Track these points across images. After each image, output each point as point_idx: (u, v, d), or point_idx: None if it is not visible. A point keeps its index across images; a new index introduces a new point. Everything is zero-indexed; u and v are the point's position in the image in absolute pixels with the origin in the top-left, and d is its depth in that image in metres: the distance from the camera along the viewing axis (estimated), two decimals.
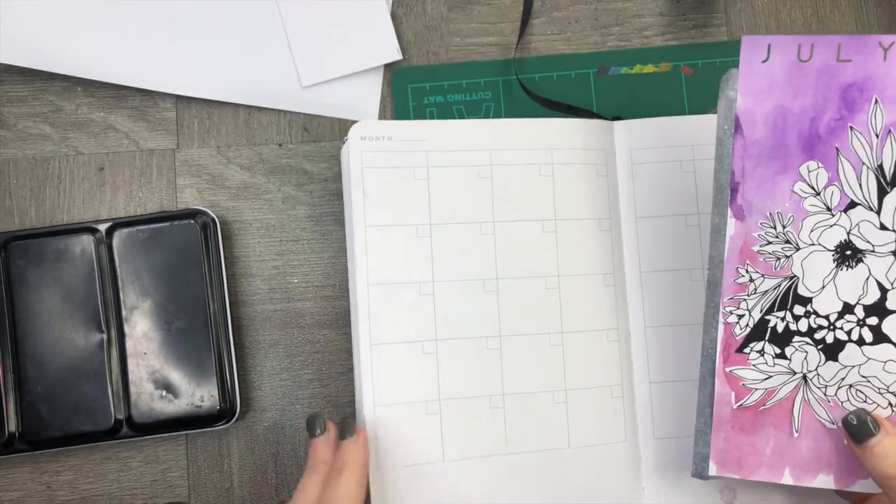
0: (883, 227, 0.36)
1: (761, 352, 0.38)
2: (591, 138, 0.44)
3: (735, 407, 0.38)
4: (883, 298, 0.36)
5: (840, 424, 0.37)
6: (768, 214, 0.37)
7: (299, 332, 0.46)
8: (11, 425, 0.43)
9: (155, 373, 0.43)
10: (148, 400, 0.43)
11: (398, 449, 0.41)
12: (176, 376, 0.43)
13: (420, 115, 0.47)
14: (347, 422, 0.39)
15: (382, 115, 0.47)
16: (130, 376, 0.43)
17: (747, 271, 0.38)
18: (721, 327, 0.38)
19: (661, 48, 0.48)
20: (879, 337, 0.37)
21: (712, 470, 0.39)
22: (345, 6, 0.47)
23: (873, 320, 0.37)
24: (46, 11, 0.46)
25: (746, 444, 0.38)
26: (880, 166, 0.36)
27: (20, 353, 0.43)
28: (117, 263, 0.44)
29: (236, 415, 0.44)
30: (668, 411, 0.43)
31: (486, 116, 0.47)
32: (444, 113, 0.47)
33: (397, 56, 0.47)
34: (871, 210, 0.36)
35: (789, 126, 0.36)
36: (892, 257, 0.36)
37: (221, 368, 0.43)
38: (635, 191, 0.44)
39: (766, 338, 0.38)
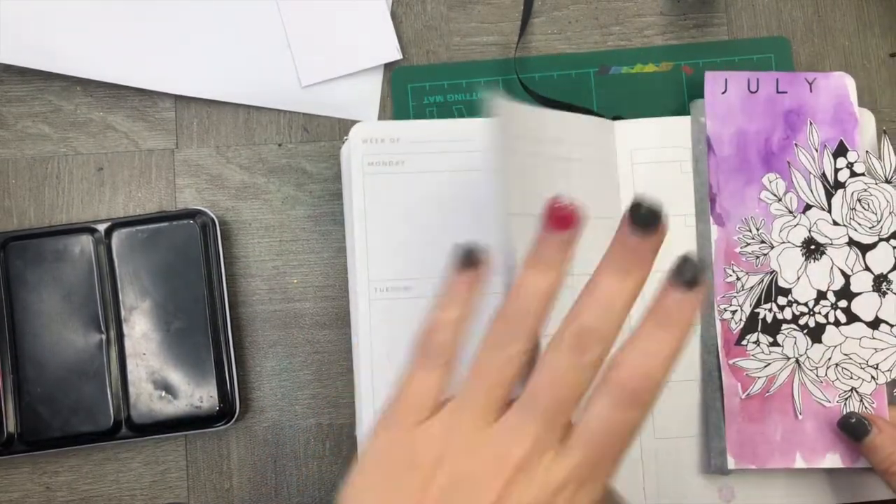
0: (835, 223, 0.43)
1: (757, 342, 0.42)
2: (591, 138, 0.44)
3: (743, 397, 0.42)
4: (847, 284, 0.42)
5: (837, 424, 0.41)
6: (743, 219, 0.43)
7: (299, 333, 0.46)
8: (11, 426, 0.43)
9: (154, 373, 0.43)
10: (147, 400, 0.43)
11: None
12: (175, 377, 0.43)
13: (420, 114, 0.47)
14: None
15: (382, 115, 0.47)
16: (130, 377, 0.43)
17: (733, 271, 0.43)
18: (718, 324, 0.43)
19: (662, 47, 0.48)
20: (851, 317, 0.42)
21: (731, 463, 0.42)
22: (345, 6, 0.47)
23: (843, 303, 0.42)
24: (46, 11, 0.46)
25: (758, 434, 0.42)
26: (823, 174, 0.43)
27: (19, 353, 0.43)
28: (116, 264, 0.44)
29: (236, 415, 0.43)
30: (667, 411, 0.43)
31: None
32: (444, 112, 0.47)
33: (397, 56, 0.47)
34: (824, 210, 0.43)
35: (749, 145, 0.44)
36: (847, 248, 0.43)
37: (221, 369, 0.43)
38: (635, 191, 0.44)
39: (759, 329, 0.43)
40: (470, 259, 0.30)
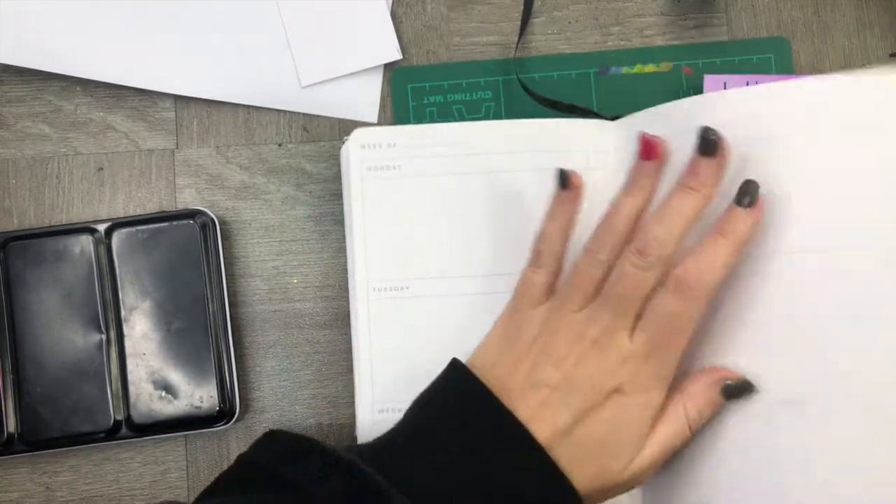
0: None
1: None
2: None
3: None
4: None
5: None
6: None
7: (299, 333, 0.46)
8: (10, 426, 0.43)
9: (154, 373, 0.43)
10: (147, 400, 0.43)
11: None
12: (175, 377, 0.43)
13: (420, 114, 0.47)
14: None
15: (382, 115, 0.47)
16: (129, 377, 0.43)
17: None
18: None
19: (662, 48, 0.48)
20: None
21: None
22: (345, 6, 0.47)
23: None
24: (46, 11, 0.46)
25: None
26: None
27: (19, 353, 0.43)
28: (116, 264, 0.44)
29: (235, 415, 0.43)
30: None
31: (486, 116, 0.47)
32: (444, 112, 0.47)
33: (397, 56, 0.47)
34: None
35: None
36: None
37: (221, 369, 0.43)
38: None
39: None
40: (563, 180, 0.38)
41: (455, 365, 0.36)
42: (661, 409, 0.35)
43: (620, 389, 0.34)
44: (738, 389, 0.35)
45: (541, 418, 0.34)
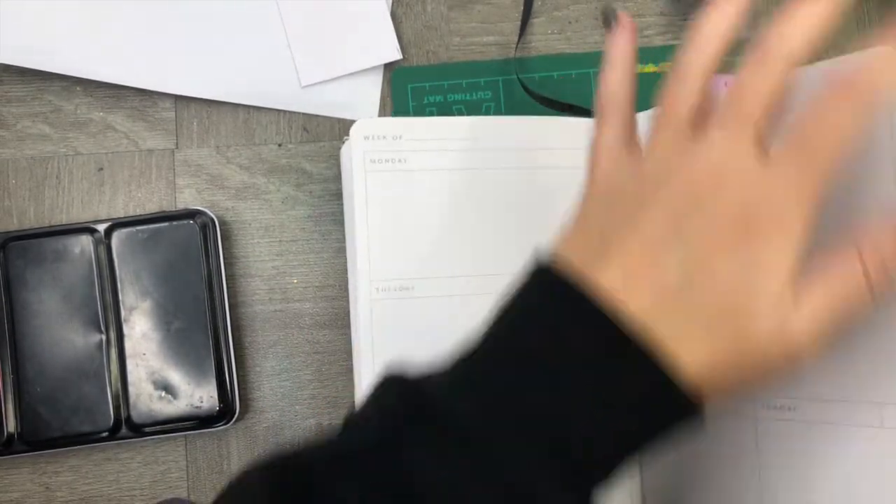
0: None
1: None
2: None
3: None
4: None
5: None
6: None
7: (299, 333, 0.46)
8: (10, 426, 0.43)
9: (154, 373, 0.43)
10: (147, 400, 0.43)
11: None
12: (175, 377, 0.43)
13: (420, 114, 0.47)
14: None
15: (382, 115, 0.47)
16: (129, 377, 0.43)
17: None
18: None
19: (662, 48, 0.48)
20: None
21: None
22: (345, 6, 0.47)
23: None
24: (46, 11, 0.46)
25: None
26: None
27: (19, 353, 0.43)
28: (116, 264, 0.44)
29: (235, 415, 0.43)
30: None
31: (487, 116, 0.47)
32: (444, 113, 0.47)
33: (397, 56, 0.47)
34: None
35: None
36: None
37: (220, 369, 0.43)
38: None
39: None
40: (609, 17, 0.33)
41: (534, 258, 0.30)
42: (825, 261, 0.27)
43: (750, 224, 0.27)
44: None
45: (640, 276, 0.27)
